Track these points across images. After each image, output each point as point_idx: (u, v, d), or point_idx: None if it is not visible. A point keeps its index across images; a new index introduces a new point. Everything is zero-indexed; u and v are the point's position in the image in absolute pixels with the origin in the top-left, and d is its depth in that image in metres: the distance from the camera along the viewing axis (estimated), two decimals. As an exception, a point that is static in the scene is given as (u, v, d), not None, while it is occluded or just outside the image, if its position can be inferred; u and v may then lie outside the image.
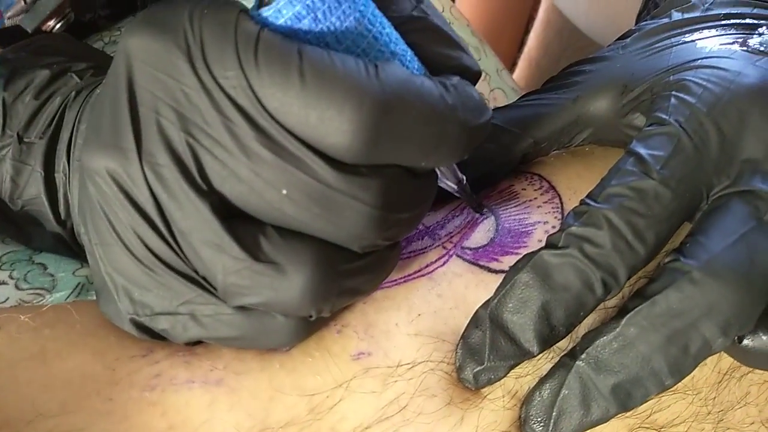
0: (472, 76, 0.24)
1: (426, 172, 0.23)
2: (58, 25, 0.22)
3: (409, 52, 0.23)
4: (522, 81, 1.00)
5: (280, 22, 0.21)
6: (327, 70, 0.20)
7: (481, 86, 0.42)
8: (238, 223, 0.21)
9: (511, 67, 1.03)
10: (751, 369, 0.28)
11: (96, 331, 0.25)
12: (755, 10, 0.29)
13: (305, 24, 0.21)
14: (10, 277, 0.31)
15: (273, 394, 0.23)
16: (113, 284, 0.23)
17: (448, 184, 0.27)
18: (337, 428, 0.23)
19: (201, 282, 0.22)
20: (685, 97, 0.25)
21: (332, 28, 0.21)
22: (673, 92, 0.25)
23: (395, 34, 0.23)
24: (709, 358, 0.27)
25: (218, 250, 0.21)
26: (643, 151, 0.24)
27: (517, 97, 0.33)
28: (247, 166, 0.21)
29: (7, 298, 0.30)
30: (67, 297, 0.30)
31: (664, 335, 0.22)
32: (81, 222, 0.24)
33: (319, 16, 0.21)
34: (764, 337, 0.23)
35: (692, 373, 0.27)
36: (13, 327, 0.24)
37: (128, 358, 0.24)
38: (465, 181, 0.27)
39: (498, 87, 0.43)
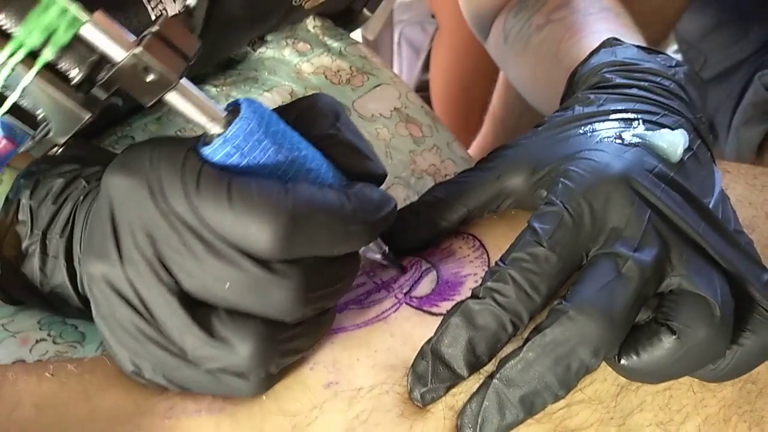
0: (377, 178, 0.31)
1: (343, 255, 0.29)
2: (59, 150, 0.27)
3: (325, 164, 0.30)
4: (489, 137, 1.08)
5: (217, 158, 0.27)
6: (248, 196, 0.26)
7: (432, 157, 0.50)
8: (198, 309, 0.28)
9: (480, 123, 1.11)
10: (644, 382, 0.34)
11: (123, 376, 0.31)
12: (636, 106, 0.37)
13: (235, 159, 0.27)
14: (48, 335, 0.38)
15: (264, 416, 0.30)
16: (120, 354, 0.29)
17: (374, 255, 0.34)
18: (313, 440, 0.30)
19: (180, 354, 0.28)
20: (568, 183, 0.31)
21: (256, 160, 0.27)
22: (561, 179, 0.32)
23: (312, 153, 0.29)
24: (609, 375, 0.33)
25: (186, 332, 0.28)
26: (537, 225, 0.31)
27: (465, 166, 0.41)
28: (199, 268, 0.27)
29: (47, 351, 0.37)
30: (96, 348, 0.37)
31: (553, 358, 0.28)
32: (92, 307, 0.30)
33: (245, 152, 0.27)
34: (635, 358, 0.30)
35: (595, 387, 0.34)
36: (62, 373, 0.31)
37: (149, 396, 0.31)
38: (388, 251, 0.34)
39: (448, 158, 0.51)
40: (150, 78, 0.25)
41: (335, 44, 0.53)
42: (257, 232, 0.26)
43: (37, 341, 0.37)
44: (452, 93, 1.23)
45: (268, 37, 0.52)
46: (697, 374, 0.31)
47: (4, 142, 0.30)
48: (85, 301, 0.34)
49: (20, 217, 0.34)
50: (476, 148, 1.08)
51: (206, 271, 0.27)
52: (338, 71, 0.50)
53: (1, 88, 0.25)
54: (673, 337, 0.29)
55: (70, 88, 0.26)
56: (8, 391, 0.30)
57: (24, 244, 0.34)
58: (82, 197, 0.34)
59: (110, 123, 0.47)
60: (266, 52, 0.51)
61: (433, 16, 1.31)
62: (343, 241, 0.28)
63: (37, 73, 0.25)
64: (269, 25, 0.50)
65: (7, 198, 0.34)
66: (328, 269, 0.29)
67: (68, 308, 0.35)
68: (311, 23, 0.53)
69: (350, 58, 0.52)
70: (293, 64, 0.50)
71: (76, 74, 0.26)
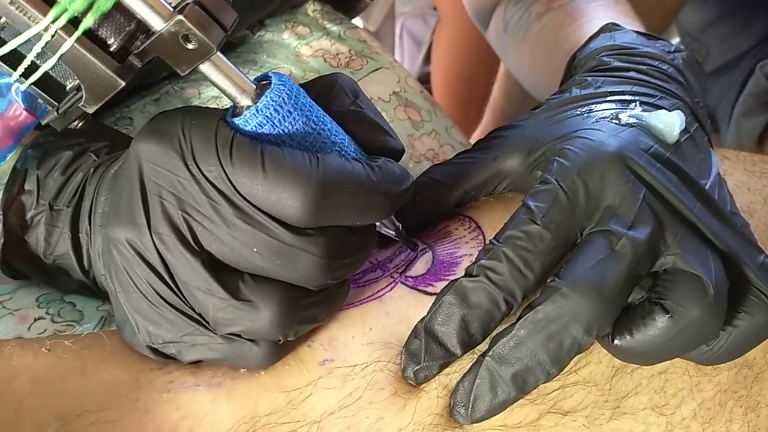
0: (396, 154, 0.32)
1: (364, 227, 0.30)
2: (80, 124, 0.28)
3: (347, 139, 0.30)
4: (490, 128, 1.08)
5: (248, 128, 0.28)
6: (281, 165, 0.27)
7: (431, 142, 0.50)
8: (223, 273, 0.28)
9: (481, 114, 1.11)
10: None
11: (122, 351, 0.32)
12: (634, 88, 0.37)
13: (266, 129, 0.28)
14: (47, 313, 0.38)
15: (260, 392, 0.30)
16: (134, 321, 0.30)
17: (388, 231, 0.34)
18: (308, 415, 0.30)
19: (198, 318, 0.29)
20: (563, 161, 0.31)
21: (286, 130, 0.28)
22: (556, 157, 0.32)
23: (335, 127, 0.30)
24: (604, 357, 0.33)
25: (208, 293, 0.28)
26: (531, 203, 0.31)
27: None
28: (228, 233, 0.28)
29: (45, 329, 0.37)
30: (94, 327, 0.37)
31: (545, 335, 0.29)
32: (106, 273, 0.31)
33: (276, 123, 0.28)
34: (628, 337, 0.30)
35: (590, 369, 0.34)
36: (59, 349, 0.31)
37: (148, 370, 0.31)
38: (401, 228, 0.34)
39: (447, 143, 0.51)
40: (190, 46, 0.26)
41: (334, 28, 0.53)
42: (289, 199, 0.27)
43: (35, 319, 0.37)
44: (453, 85, 1.23)
45: (267, 21, 0.51)
46: (692, 356, 0.31)
47: (24, 114, 0.30)
48: (87, 273, 0.35)
49: (27, 186, 0.34)
50: (477, 139, 1.08)
51: (235, 235, 0.28)
52: (337, 54, 0.50)
53: (36, 56, 0.26)
54: (667, 316, 0.29)
55: (108, 55, 0.26)
56: (4, 365, 0.30)
57: (29, 214, 0.34)
58: (92, 170, 0.34)
59: (109, 104, 0.47)
60: (265, 35, 0.51)
61: (434, 8, 1.31)
62: (367, 211, 0.29)
63: (77, 39, 0.25)
64: (270, 8, 0.50)
65: (14, 168, 0.34)
66: (350, 239, 0.29)
67: (69, 281, 0.35)
68: (311, 7, 0.53)
69: (349, 42, 0.52)
70: (292, 47, 0.50)
71: (113, 42, 0.26)
